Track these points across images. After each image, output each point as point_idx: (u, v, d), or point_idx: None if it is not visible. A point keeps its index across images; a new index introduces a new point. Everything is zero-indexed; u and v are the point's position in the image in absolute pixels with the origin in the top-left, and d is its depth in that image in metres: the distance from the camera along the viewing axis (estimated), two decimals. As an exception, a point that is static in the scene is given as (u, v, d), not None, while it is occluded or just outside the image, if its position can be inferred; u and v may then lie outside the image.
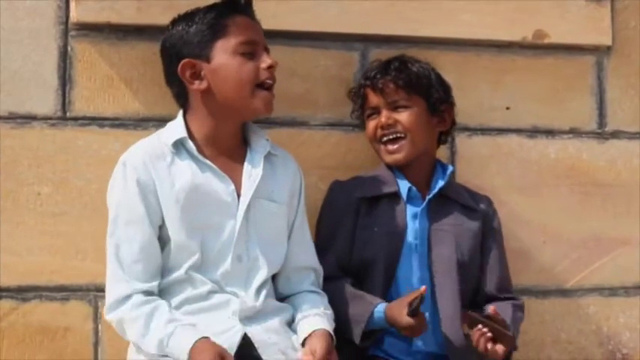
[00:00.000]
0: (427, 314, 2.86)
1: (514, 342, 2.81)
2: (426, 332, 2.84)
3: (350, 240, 2.95)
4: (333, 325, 2.76)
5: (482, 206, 3.08)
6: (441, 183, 3.00)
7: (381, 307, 2.79)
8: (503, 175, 3.31)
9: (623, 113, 3.43)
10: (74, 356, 2.96)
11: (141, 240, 2.66)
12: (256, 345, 2.62)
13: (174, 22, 2.80)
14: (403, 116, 2.98)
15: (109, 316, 2.67)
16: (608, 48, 3.42)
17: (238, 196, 2.73)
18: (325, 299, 2.82)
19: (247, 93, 2.72)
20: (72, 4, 2.99)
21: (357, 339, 2.79)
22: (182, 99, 2.81)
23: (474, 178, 3.25)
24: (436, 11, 3.22)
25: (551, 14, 3.32)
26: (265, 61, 2.74)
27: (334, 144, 3.18)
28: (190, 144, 2.72)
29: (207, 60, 2.73)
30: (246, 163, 2.77)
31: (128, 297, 2.63)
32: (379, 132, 3.01)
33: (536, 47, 3.34)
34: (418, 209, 2.97)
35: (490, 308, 2.80)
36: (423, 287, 2.70)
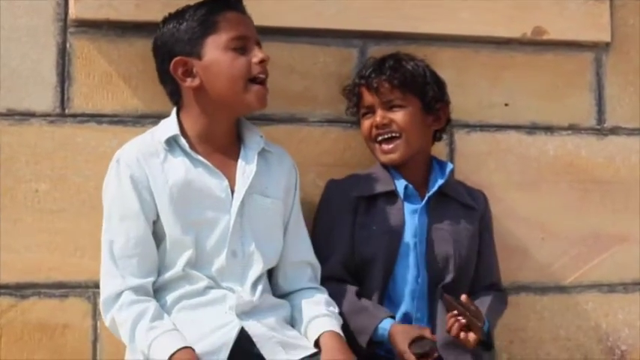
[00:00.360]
0: (425, 311, 2.89)
1: (483, 332, 2.80)
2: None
3: (350, 239, 2.95)
4: (341, 321, 2.77)
5: (479, 204, 3.09)
6: (440, 181, 3.00)
7: (386, 324, 2.80)
8: (501, 172, 3.31)
9: (622, 110, 3.43)
10: (73, 353, 2.96)
11: (135, 235, 2.67)
12: (254, 339, 2.62)
13: (165, 20, 2.81)
14: (398, 116, 2.98)
15: (104, 317, 2.68)
16: (607, 45, 3.42)
17: (232, 192, 2.73)
18: (326, 294, 2.83)
19: (240, 88, 2.72)
20: (70, 1, 2.98)
21: (363, 345, 2.80)
22: (175, 97, 2.82)
23: (472, 175, 3.25)
24: (435, 8, 3.22)
25: (550, 11, 3.32)
26: (257, 56, 2.74)
27: (333, 141, 3.18)
28: (183, 141, 2.73)
29: (199, 57, 2.73)
30: (240, 160, 2.77)
31: (119, 294, 2.63)
32: (374, 131, 3.01)
33: (535, 44, 3.34)
34: (417, 207, 2.97)
35: (462, 296, 2.80)
36: (434, 336, 2.76)
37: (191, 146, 2.74)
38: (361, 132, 3.07)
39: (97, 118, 3.02)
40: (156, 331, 2.56)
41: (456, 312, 2.74)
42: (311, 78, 3.18)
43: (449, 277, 2.93)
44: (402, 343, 2.74)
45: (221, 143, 2.79)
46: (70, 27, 3.01)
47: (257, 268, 2.74)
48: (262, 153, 2.81)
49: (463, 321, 2.73)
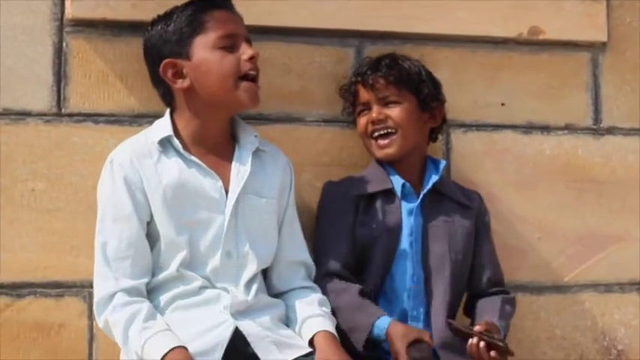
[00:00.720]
0: (421, 309, 2.89)
1: (507, 349, 2.80)
2: (418, 326, 2.90)
3: (351, 237, 2.95)
4: (335, 322, 2.77)
5: (474, 203, 3.09)
6: (434, 178, 3.00)
7: (384, 322, 2.79)
8: (498, 171, 3.31)
9: (619, 109, 3.43)
10: (69, 353, 2.96)
11: (128, 236, 2.67)
12: (249, 339, 2.62)
13: (153, 22, 2.81)
14: (394, 112, 2.99)
15: (98, 319, 2.68)
16: (604, 44, 3.41)
17: (226, 192, 2.73)
18: (319, 294, 2.83)
19: (231, 86, 2.72)
20: (67, 1, 2.98)
21: (359, 346, 2.80)
22: (168, 98, 2.82)
23: (469, 174, 3.25)
24: (431, 7, 3.22)
25: (547, 10, 3.32)
26: (246, 53, 2.74)
27: (329, 140, 3.17)
28: (176, 142, 2.73)
29: (188, 57, 2.73)
30: (234, 160, 2.77)
31: (112, 296, 2.63)
32: (370, 127, 3.01)
33: (532, 43, 3.34)
34: (413, 205, 2.98)
35: (477, 328, 2.79)
36: (432, 341, 2.76)
37: (184, 147, 2.74)
38: (357, 129, 3.08)
39: (93, 117, 3.02)
40: (149, 332, 2.56)
41: (474, 340, 2.74)
42: (307, 78, 3.18)
43: (445, 275, 2.93)
44: (399, 343, 2.73)
45: (215, 143, 2.79)
46: (66, 26, 3.01)
47: (251, 269, 2.74)
48: (257, 152, 2.81)
49: (482, 344, 2.73)
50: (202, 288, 2.70)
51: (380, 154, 3.02)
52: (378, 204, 2.99)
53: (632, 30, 3.46)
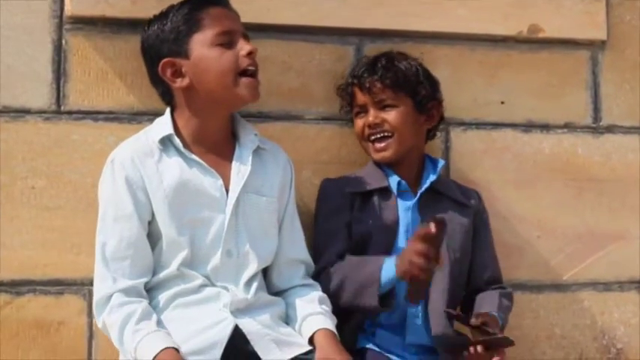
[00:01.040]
0: (420, 308, 2.89)
1: (508, 341, 2.79)
2: (418, 326, 2.91)
3: (347, 234, 2.95)
4: (335, 320, 2.77)
5: (472, 201, 3.10)
6: (432, 177, 3.01)
7: (390, 265, 2.75)
8: (497, 170, 3.31)
9: (618, 108, 3.43)
10: (68, 350, 2.96)
11: (128, 236, 2.66)
12: (248, 337, 2.62)
13: (150, 22, 2.80)
14: (390, 115, 2.99)
15: (97, 320, 2.68)
16: (603, 42, 3.41)
17: (227, 191, 2.73)
18: (320, 291, 2.82)
19: (230, 82, 2.72)
20: (66, -2, 2.99)
21: (374, 303, 2.76)
22: (167, 97, 2.82)
23: (468, 173, 3.26)
24: (431, 5, 3.22)
25: (546, 9, 3.32)
26: (244, 48, 2.73)
27: (328, 138, 3.17)
28: (177, 140, 2.72)
29: (187, 56, 2.72)
30: (234, 159, 2.77)
31: (110, 297, 2.63)
32: (367, 130, 3.02)
33: (531, 42, 3.34)
34: (410, 203, 2.98)
35: (472, 321, 2.80)
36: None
37: (185, 146, 2.74)
38: (354, 131, 3.08)
39: (92, 115, 3.01)
40: (141, 333, 2.55)
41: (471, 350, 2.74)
42: (307, 75, 3.18)
43: (443, 273, 2.93)
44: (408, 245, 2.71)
45: (215, 142, 2.79)
46: (65, 24, 3.01)
47: (252, 268, 2.74)
48: (257, 151, 2.81)
49: (480, 348, 2.73)
50: (202, 286, 2.70)
51: (377, 157, 3.02)
52: (375, 201, 2.99)
53: (632, 28, 3.46)
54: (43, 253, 2.97)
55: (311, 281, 2.86)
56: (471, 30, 3.27)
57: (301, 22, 3.14)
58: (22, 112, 2.98)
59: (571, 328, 3.36)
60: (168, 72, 2.74)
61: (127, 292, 2.63)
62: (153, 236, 2.71)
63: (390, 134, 2.99)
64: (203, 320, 2.63)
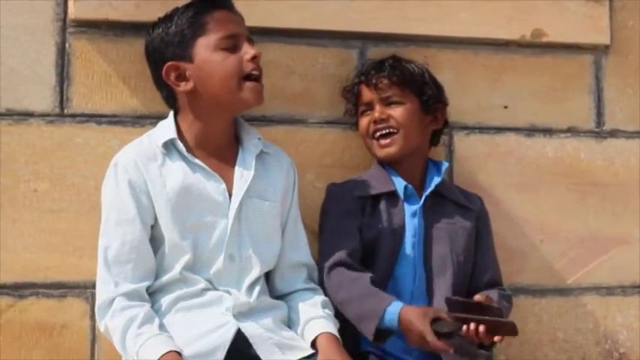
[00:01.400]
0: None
1: (513, 327, 2.76)
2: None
3: (358, 237, 2.94)
4: (337, 324, 2.77)
5: (475, 205, 3.10)
6: (437, 179, 3.01)
7: (395, 307, 2.75)
8: (500, 174, 3.31)
9: (621, 112, 3.43)
10: (71, 353, 2.96)
11: (131, 240, 2.66)
12: (251, 340, 2.62)
13: (155, 25, 2.80)
14: (396, 112, 2.99)
15: (99, 324, 2.68)
16: (607, 47, 3.41)
17: (230, 195, 2.73)
18: (321, 295, 2.82)
19: (234, 86, 2.71)
20: (70, 1, 2.98)
21: (370, 336, 2.77)
22: (171, 101, 2.82)
23: (471, 177, 3.25)
24: (434, 9, 3.22)
25: (550, 13, 3.32)
26: (248, 53, 2.73)
27: (332, 142, 3.17)
28: (180, 145, 2.72)
29: (191, 60, 2.72)
30: (237, 163, 2.77)
31: (112, 301, 2.63)
32: (372, 127, 3.02)
33: (535, 46, 3.34)
34: (416, 207, 2.98)
35: (476, 297, 2.80)
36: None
37: (188, 149, 2.74)
38: (359, 129, 3.08)
39: (96, 118, 3.02)
40: (143, 337, 2.55)
41: (472, 325, 2.71)
42: (310, 79, 3.18)
43: (446, 277, 2.93)
44: (421, 322, 2.69)
45: (218, 146, 2.78)
46: (69, 27, 3.01)
47: (254, 272, 2.74)
48: (260, 155, 2.81)
49: (482, 328, 2.70)
50: (205, 290, 2.70)
51: (381, 153, 3.02)
52: (382, 206, 2.98)
53: (635, 33, 3.46)
54: (46, 256, 2.96)
55: (313, 285, 2.86)
56: (474, 34, 3.27)
57: (305, 26, 3.14)
58: (25, 115, 2.98)
59: (574, 333, 3.36)
60: (172, 75, 2.74)
61: (130, 295, 2.63)
62: (155, 240, 2.70)
63: (395, 130, 2.99)
64: (205, 324, 2.63)
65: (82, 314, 2.97)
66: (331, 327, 2.72)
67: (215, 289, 2.70)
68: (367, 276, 2.84)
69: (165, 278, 2.69)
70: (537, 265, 3.32)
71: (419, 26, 3.22)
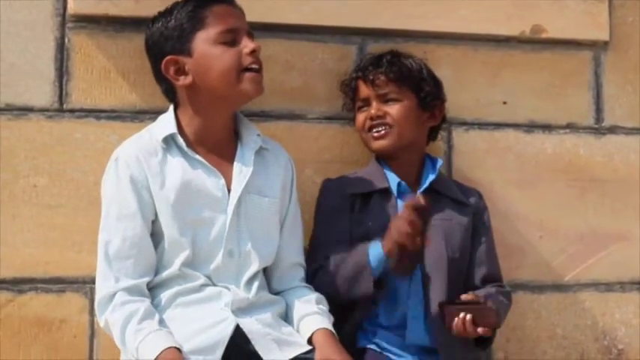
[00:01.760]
0: (420, 308, 2.89)
1: (497, 315, 2.79)
2: (418, 326, 2.90)
3: (348, 236, 2.94)
4: (332, 319, 2.76)
5: (472, 200, 3.09)
6: (431, 177, 3.01)
7: (376, 247, 2.77)
8: (499, 170, 3.31)
9: (621, 109, 3.44)
10: (69, 348, 2.96)
11: (132, 235, 2.66)
12: (249, 336, 2.61)
13: (154, 19, 2.79)
14: (393, 109, 2.99)
15: (99, 318, 2.67)
16: (606, 43, 3.42)
17: (229, 190, 2.73)
18: (316, 292, 2.82)
19: (233, 80, 2.70)
20: (69, -4, 2.99)
21: (369, 289, 2.77)
22: (171, 95, 2.81)
23: (470, 173, 3.26)
24: (434, 5, 3.22)
25: (549, 9, 3.32)
26: (248, 46, 2.72)
27: (331, 137, 3.18)
28: (180, 140, 2.72)
29: (189, 54, 2.72)
30: (236, 159, 2.76)
31: (112, 296, 2.62)
32: (368, 123, 3.02)
33: (534, 42, 3.35)
34: (409, 204, 2.98)
35: (463, 296, 2.80)
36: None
37: (188, 144, 2.73)
38: (355, 125, 3.08)
39: (95, 113, 3.02)
40: (143, 333, 2.54)
41: (461, 315, 2.73)
42: (309, 75, 3.18)
43: (442, 273, 2.93)
44: (397, 219, 2.72)
45: (218, 141, 2.78)
46: (68, 22, 3.01)
47: (253, 268, 2.74)
48: (259, 151, 2.80)
49: (469, 317, 2.72)
50: (204, 285, 2.69)
51: (375, 145, 3.02)
52: (374, 203, 2.98)
53: (635, 29, 3.46)
54: (45, 251, 2.97)
55: (308, 283, 2.86)
56: (473, 30, 3.28)
57: (304, 22, 3.14)
58: (25, 110, 2.98)
59: (572, 329, 3.36)
60: (172, 70, 2.73)
61: (130, 291, 2.63)
62: (155, 236, 2.70)
63: (390, 127, 2.99)
64: (204, 319, 2.63)
65: (80, 309, 2.97)
66: (326, 322, 2.72)
67: (214, 284, 2.70)
68: (334, 255, 2.86)
69: (164, 274, 2.69)
70: (536, 261, 3.33)
71: (418, 22, 3.22)
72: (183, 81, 2.73)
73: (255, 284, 2.73)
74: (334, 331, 2.72)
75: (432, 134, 3.14)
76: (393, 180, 3.00)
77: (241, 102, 2.81)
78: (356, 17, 3.17)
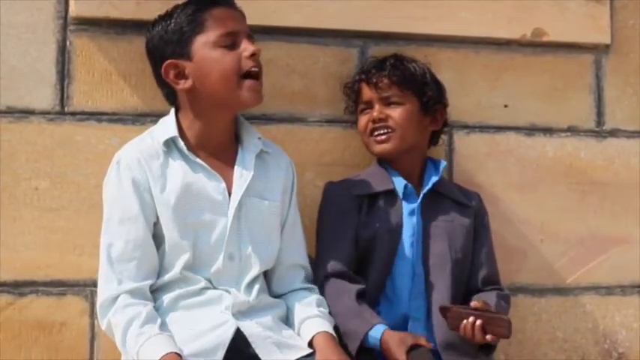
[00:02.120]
0: (422, 310, 2.89)
1: (510, 328, 2.76)
2: (420, 328, 2.90)
3: (354, 238, 2.94)
4: (333, 322, 2.77)
5: (473, 202, 3.10)
6: (434, 178, 3.01)
7: (378, 331, 2.77)
8: (501, 173, 3.31)
9: (622, 112, 3.44)
10: (70, 351, 2.96)
11: (135, 238, 2.65)
12: (250, 339, 2.61)
13: (155, 22, 2.79)
14: (395, 112, 2.99)
15: (101, 321, 2.67)
16: (607, 46, 3.42)
17: (230, 194, 2.72)
18: (317, 294, 2.82)
19: (233, 84, 2.70)
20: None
21: (352, 352, 2.78)
22: (172, 98, 2.81)
23: (471, 176, 3.26)
24: (435, 8, 3.22)
25: (551, 12, 3.32)
26: (247, 49, 2.71)
27: (332, 140, 3.18)
28: (181, 143, 2.71)
29: (189, 58, 2.71)
30: (237, 163, 2.76)
31: (115, 298, 2.62)
32: (370, 125, 3.02)
33: (535, 45, 3.35)
34: (414, 206, 2.98)
35: (473, 303, 2.80)
36: (430, 344, 2.75)
37: (189, 148, 2.73)
38: (358, 127, 3.08)
39: (96, 116, 3.02)
40: (144, 337, 2.54)
41: (470, 319, 2.72)
42: (311, 78, 3.18)
43: (445, 275, 2.93)
44: (398, 351, 2.73)
45: (219, 144, 2.78)
46: (70, 25, 3.02)
47: (254, 271, 2.74)
48: (260, 155, 2.80)
49: (479, 322, 2.72)
50: (204, 289, 2.69)
51: (377, 149, 3.02)
52: (380, 205, 2.98)
53: (636, 32, 3.46)
54: (46, 254, 2.97)
55: (309, 284, 2.86)
56: (475, 33, 3.28)
57: (305, 25, 3.14)
58: (26, 113, 2.98)
59: (573, 332, 3.36)
60: (171, 74, 2.73)
61: (133, 293, 2.63)
62: (157, 239, 2.70)
63: (392, 130, 2.99)
64: (205, 322, 2.63)
65: (81, 312, 2.97)
66: (327, 325, 2.72)
67: (214, 288, 2.70)
68: (354, 289, 2.85)
69: (166, 277, 2.69)
70: (537, 264, 3.33)
71: (420, 25, 3.22)
72: (183, 85, 2.73)
73: (256, 287, 2.73)
74: (335, 335, 2.72)
75: (434, 138, 3.14)
76: (398, 182, 3.00)
77: (239, 108, 2.81)
78: (357, 20, 3.17)
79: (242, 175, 2.74)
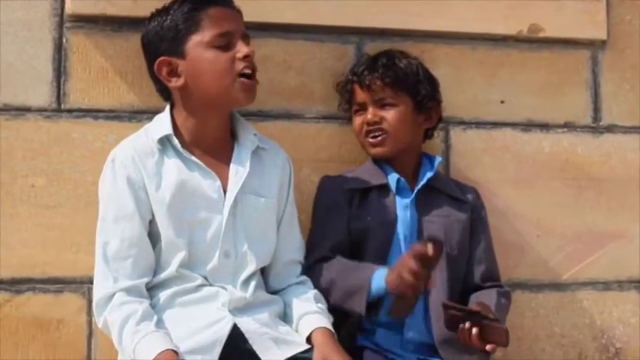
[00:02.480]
0: (419, 305, 2.88)
1: (507, 336, 2.76)
2: (418, 323, 2.90)
3: (344, 229, 2.94)
4: (331, 318, 2.76)
5: (469, 197, 3.10)
6: (429, 174, 3.01)
7: (380, 275, 2.75)
8: (497, 169, 3.31)
9: (618, 107, 3.44)
10: (67, 348, 2.96)
11: (130, 236, 2.65)
12: (247, 335, 2.61)
13: (151, 17, 2.78)
14: (389, 114, 2.99)
15: (97, 319, 2.67)
16: (603, 42, 3.42)
17: (225, 192, 2.72)
18: (313, 289, 2.81)
19: (226, 84, 2.69)
20: (67, -4, 2.99)
21: (362, 311, 2.77)
22: (166, 94, 2.81)
23: (468, 172, 3.26)
24: (431, 5, 3.22)
25: (547, 8, 3.32)
26: (241, 51, 2.70)
27: (328, 137, 3.18)
28: (176, 141, 2.71)
29: (183, 56, 2.70)
30: (233, 160, 2.76)
31: (111, 297, 2.62)
32: (365, 127, 3.03)
33: (532, 41, 3.35)
34: (408, 200, 2.98)
35: (472, 307, 2.79)
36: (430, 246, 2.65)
37: (184, 145, 2.72)
38: (352, 128, 3.08)
39: (93, 113, 3.02)
40: (140, 334, 2.54)
41: (467, 324, 2.71)
42: (307, 74, 3.18)
43: (441, 270, 2.92)
44: (403, 259, 2.68)
45: (213, 141, 2.77)
46: (66, 22, 3.01)
47: (250, 268, 2.73)
48: (256, 151, 2.80)
49: (475, 330, 2.70)
50: (201, 286, 2.69)
51: (373, 151, 3.03)
52: (373, 199, 2.99)
53: (632, 28, 3.46)
54: (43, 252, 2.97)
55: (304, 278, 2.86)
56: (471, 29, 3.28)
57: (302, 21, 3.14)
58: (23, 110, 2.98)
59: (570, 327, 3.36)
60: (164, 71, 2.72)
61: (129, 291, 2.63)
62: (153, 236, 2.70)
63: (386, 132, 3.00)
64: (202, 319, 2.63)
65: (78, 309, 2.97)
66: (325, 321, 2.72)
67: (211, 285, 2.70)
68: (342, 258, 2.86)
69: (162, 275, 2.69)
70: (534, 260, 3.33)
71: (416, 21, 3.22)
72: (175, 83, 2.72)
73: (252, 284, 2.73)
74: (333, 331, 2.72)
75: (428, 132, 3.14)
76: (391, 176, 3.01)
77: (232, 107, 2.80)
78: (353, 16, 3.17)
79: (237, 172, 2.74)
